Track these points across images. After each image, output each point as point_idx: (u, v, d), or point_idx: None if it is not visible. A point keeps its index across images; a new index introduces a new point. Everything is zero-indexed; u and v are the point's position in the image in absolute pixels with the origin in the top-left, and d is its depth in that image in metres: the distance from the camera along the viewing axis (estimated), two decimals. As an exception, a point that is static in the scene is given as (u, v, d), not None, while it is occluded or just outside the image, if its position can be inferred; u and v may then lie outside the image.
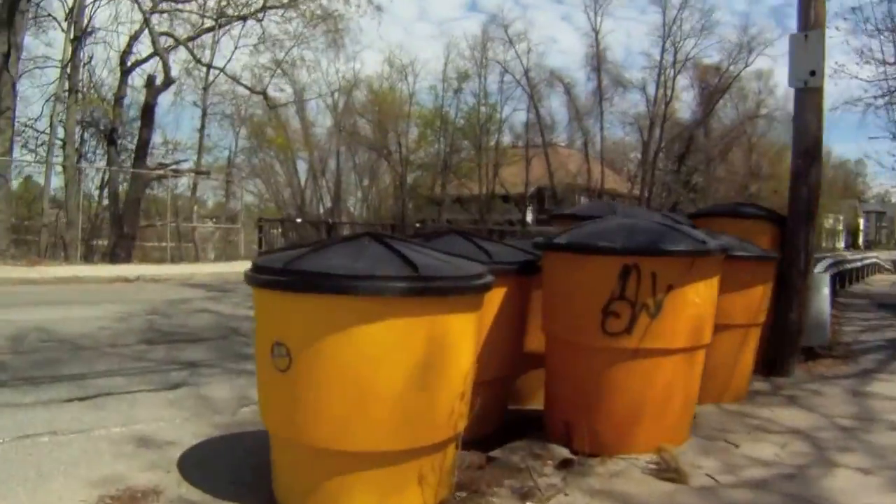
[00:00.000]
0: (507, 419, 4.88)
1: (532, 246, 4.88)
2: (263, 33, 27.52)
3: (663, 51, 44.00)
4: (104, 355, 6.89)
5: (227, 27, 26.19)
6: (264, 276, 3.26)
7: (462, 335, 3.29)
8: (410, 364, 3.09)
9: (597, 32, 44.03)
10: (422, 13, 70.45)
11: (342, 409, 3.07)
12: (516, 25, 49.15)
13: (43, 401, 5.20)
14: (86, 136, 27.82)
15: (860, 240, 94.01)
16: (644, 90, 45.36)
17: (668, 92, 44.91)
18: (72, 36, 23.73)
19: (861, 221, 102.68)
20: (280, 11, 25.96)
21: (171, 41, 24.65)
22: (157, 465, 3.95)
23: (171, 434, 4.54)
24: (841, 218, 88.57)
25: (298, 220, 27.66)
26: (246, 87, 29.66)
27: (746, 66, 44.66)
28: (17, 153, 22.11)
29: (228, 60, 30.57)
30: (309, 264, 3.15)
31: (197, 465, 4.00)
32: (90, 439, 4.36)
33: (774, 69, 51.37)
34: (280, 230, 23.69)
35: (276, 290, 3.21)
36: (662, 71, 44.37)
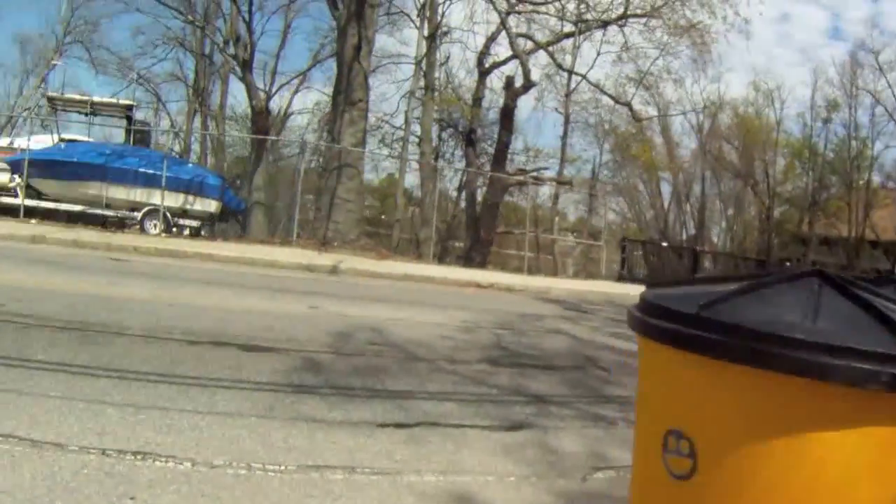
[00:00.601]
0: None
1: None
2: (626, 42, 25.94)
3: None
4: (438, 371, 5.70)
5: (587, 33, 24.64)
6: (665, 325, 1.90)
7: None
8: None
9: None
10: (781, 39, 64.20)
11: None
12: (886, 53, 42.62)
13: (352, 420, 4.15)
14: (443, 135, 28.10)
15: None
16: None
17: None
18: (426, 33, 23.64)
19: None
20: (643, 20, 24.35)
21: (529, 44, 23.78)
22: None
23: (499, 497, 3.32)
24: None
25: (664, 244, 25.37)
26: (610, 96, 28.17)
27: None
28: (374, 147, 22.56)
29: (591, 67, 29.08)
30: (741, 315, 1.76)
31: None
32: (394, 486, 3.27)
33: None
34: (642, 252, 21.50)
35: (683, 349, 1.83)
36: None
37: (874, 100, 40.32)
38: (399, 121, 28.38)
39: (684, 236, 42.24)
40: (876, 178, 43.02)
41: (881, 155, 43.02)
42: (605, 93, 28.46)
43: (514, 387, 5.46)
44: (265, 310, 7.40)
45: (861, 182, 42.11)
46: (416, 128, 25.84)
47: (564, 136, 32.73)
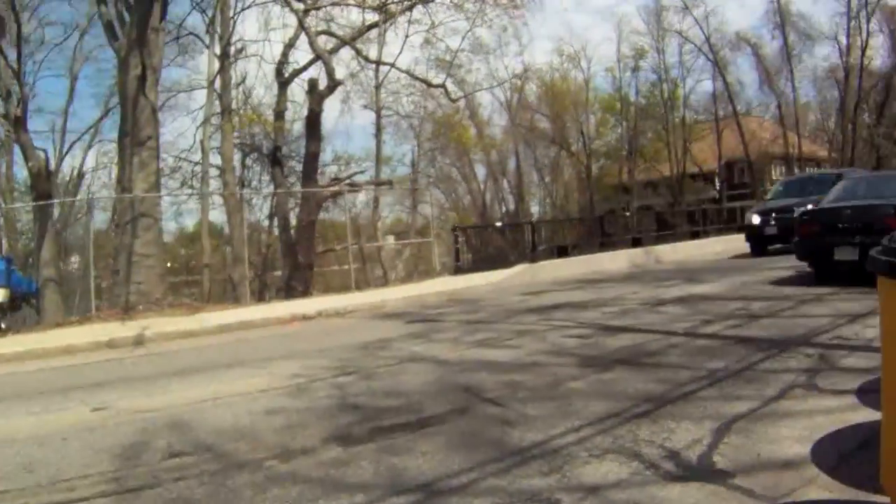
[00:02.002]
0: None
1: None
2: (433, 22, 24.91)
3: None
4: (271, 482, 3.84)
5: (392, 20, 23.40)
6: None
7: None
8: None
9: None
10: (578, 4, 66.20)
11: None
12: None
13: None
14: (248, 161, 26.21)
15: None
16: (836, 40, 41.30)
17: (863, 38, 40.82)
18: (217, 50, 21.74)
19: None
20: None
21: (332, 42, 22.22)
22: None
23: None
24: None
25: (498, 225, 24.66)
26: (422, 80, 27.08)
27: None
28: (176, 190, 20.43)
29: (399, 53, 28.27)
30: None
31: None
32: None
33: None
34: (465, 238, 20.54)
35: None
36: (852, 17, 40.46)
37: (682, 39, 42.11)
38: (198, 156, 26.19)
39: (504, 212, 42.19)
40: (692, 114, 44.99)
41: (693, 90, 45.09)
42: (416, 77, 27.48)
43: (387, 477, 3.75)
44: (31, 432, 5.42)
45: (677, 120, 43.80)
46: (218, 158, 23.78)
47: (378, 134, 31.49)
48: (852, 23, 40.42)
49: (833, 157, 42.82)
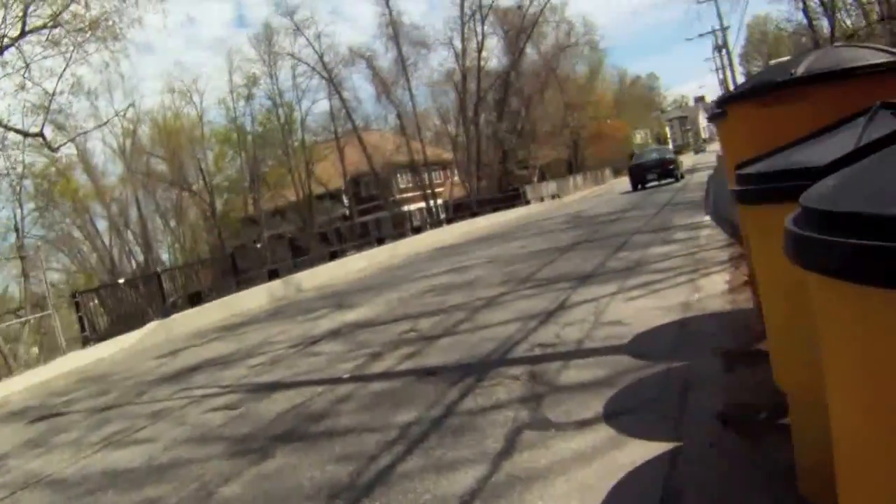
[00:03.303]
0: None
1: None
2: (27, 64, 21.50)
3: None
4: None
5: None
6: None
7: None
8: None
9: (387, -2, 40.87)
10: (190, 41, 63.32)
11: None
12: (302, 12, 44.47)
13: None
14: None
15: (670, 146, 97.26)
16: (451, 44, 43.34)
17: (479, 40, 43.65)
18: None
19: (667, 130, 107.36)
20: (44, 33, 20.90)
21: None
22: None
23: None
24: (649, 131, 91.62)
25: (121, 282, 21.36)
26: (16, 130, 22.93)
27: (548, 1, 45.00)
28: None
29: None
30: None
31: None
32: None
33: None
34: (99, 301, 17.40)
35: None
36: (466, 21, 42.98)
37: (295, 61, 41.37)
38: None
39: (133, 265, 38.38)
40: (310, 136, 44.36)
41: (310, 111, 44.97)
42: (9, 128, 23.11)
43: None
44: None
45: (297, 143, 43.01)
46: None
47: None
48: (466, 27, 42.42)
49: (458, 157, 44.81)
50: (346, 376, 5.94)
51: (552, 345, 5.37)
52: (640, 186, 31.48)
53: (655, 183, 31.32)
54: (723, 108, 3.91)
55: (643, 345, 4.76)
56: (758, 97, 2.94)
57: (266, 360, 7.89)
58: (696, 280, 6.74)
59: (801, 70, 2.72)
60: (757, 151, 2.47)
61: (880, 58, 2.68)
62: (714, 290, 6.06)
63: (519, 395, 4.24)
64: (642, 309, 5.89)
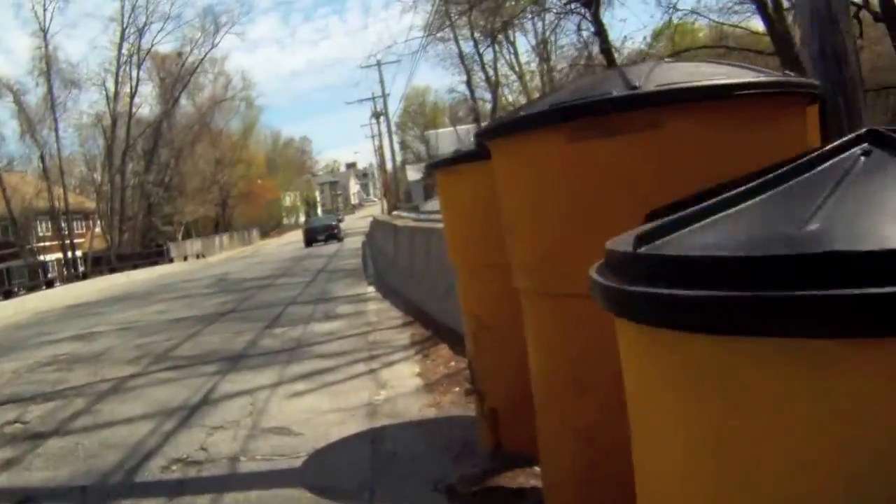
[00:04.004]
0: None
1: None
2: None
3: (122, 40, 40.59)
4: None
5: None
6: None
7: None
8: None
9: (45, 31, 37.61)
10: None
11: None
12: None
13: None
14: None
15: (319, 210, 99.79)
16: (104, 86, 40.96)
17: (133, 84, 41.66)
18: None
19: (317, 194, 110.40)
20: None
21: None
22: None
23: None
24: (299, 194, 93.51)
25: None
26: None
27: (213, 46, 44.86)
28: None
29: None
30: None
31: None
32: None
33: (231, 54, 54.30)
34: None
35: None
36: (122, 64, 40.75)
37: None
38: None
39: None
40: None
41: None
42: None
43: None
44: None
45: None
46: None
47: None
48: (122, 69, 40.22)
49: (102, 207, 41.84)
50: None
51: (197, 462, 4.10)
52: (311, 244, 39.01)
53: (323, 242, 38.90)
54: (483, 145, 2.65)
55: (325, 470, 3.75)
56: (573, 122, 1.94)
57: None
58: (377, 371, 5.86)
59: (649, 84, 1.85)
60: (540, 216, 2.00)
61: (763, 76, 1.98)
62: (404, 386, 5.24)
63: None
64: (314, 410, 4.88)
